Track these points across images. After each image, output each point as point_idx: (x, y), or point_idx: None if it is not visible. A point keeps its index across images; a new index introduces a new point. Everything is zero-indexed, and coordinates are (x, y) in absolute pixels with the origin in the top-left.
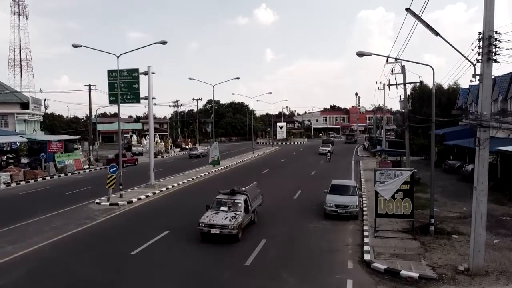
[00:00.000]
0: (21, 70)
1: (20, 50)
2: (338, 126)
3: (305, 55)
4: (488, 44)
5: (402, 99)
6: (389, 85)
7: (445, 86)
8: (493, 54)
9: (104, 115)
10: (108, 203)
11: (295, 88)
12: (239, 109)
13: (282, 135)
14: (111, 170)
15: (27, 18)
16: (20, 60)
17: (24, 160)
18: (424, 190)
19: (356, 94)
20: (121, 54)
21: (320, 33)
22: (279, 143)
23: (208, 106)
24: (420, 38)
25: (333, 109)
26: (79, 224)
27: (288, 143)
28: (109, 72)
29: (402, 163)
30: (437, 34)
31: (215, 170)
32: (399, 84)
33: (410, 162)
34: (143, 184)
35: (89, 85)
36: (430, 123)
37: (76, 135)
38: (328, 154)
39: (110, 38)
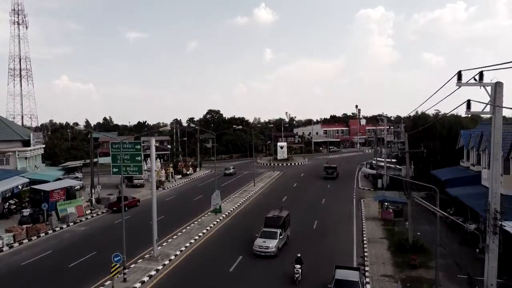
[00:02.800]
0: (21, 79)
1: (20, 59)
2: (339, 139)
3: (305, 55)
4: (494, 217)
5: (405, 166)
6: (390, 155)
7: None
8: (497, 226)
9: (105, 123)
10: None
11: (295, 88)
12: (239, 125)
13: (282, 155)
14: (115, 259)
15: (26, 28)
16: (20, 70)
17: (26, 212)
18: (426, 263)
19: (357, 106)
20: (124, 140)
21: (319, 32)
22: (280, 164)
23: (208, 116)
24: (419, 36)
25: (333, 118)
26: None
27: (289, 164)
28: (112, 144)
29: (404, 211)
30: None
31: (217, 221)
32: (403, 151)
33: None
34: (147, 253)
35: (90, 131)
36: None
37: (77, 160)
38: (298, 270)
39: (110, 38)
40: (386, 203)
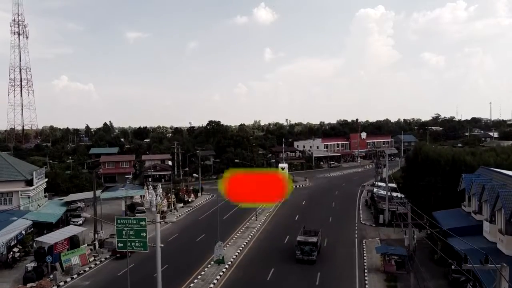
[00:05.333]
0: (21, 89)
1: (21, 69)
2: (339, 154)
3: (305, 54)
4: None
5: (407, 236)
6: (394, 225)
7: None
8: None
9: (105, 129)
10: None
11: (295, 87)
12: (240, 142)
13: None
14: None
15: (27, 38)
16: (21, 80)
17: (29, 266)
18: None
19: (357, 120)
20: (130, 217)
21: (319, 31)
22: None
23: (209, 127)
24: (419, 36)
25: (333, 130)
26: None
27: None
28: (117, 219)
29: (406, 262)
30: None
31: (221, 274)
32: (404, 223)
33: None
34: None
35: (94, 172)
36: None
37: (79, 190)
38: None
39: (110, 38)
40: (388, 256)
